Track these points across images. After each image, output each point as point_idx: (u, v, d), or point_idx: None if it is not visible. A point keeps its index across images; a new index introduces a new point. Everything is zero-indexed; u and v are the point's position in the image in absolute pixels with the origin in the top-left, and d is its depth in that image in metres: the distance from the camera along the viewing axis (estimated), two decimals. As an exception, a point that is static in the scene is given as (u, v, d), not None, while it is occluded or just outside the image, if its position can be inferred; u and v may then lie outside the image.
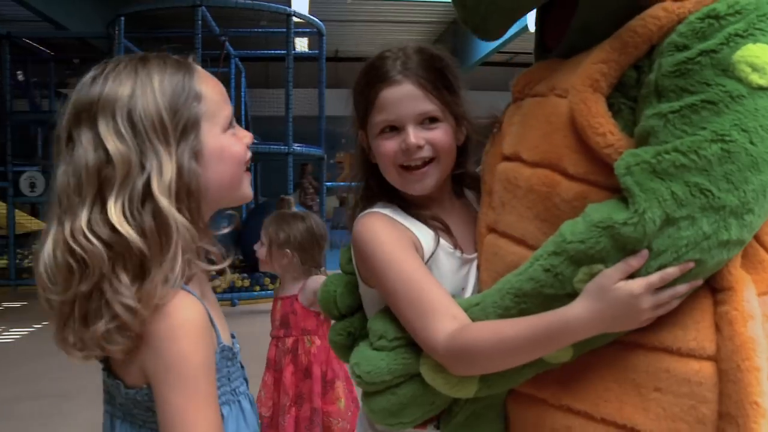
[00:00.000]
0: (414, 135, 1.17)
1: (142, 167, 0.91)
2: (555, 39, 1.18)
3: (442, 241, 1.20)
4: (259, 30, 10.23)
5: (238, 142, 1.03)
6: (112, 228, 0.89)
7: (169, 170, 0.92)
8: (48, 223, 0.94)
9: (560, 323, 0.96)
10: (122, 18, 7.71)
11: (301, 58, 9.53)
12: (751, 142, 0.89)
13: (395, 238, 1.16)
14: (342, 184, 14.96)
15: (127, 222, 0.89)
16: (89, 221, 0.89)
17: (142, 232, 0.89)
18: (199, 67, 1.02)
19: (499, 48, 10.86)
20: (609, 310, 0.94)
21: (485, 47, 10.96)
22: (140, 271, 0.90)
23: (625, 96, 1.02)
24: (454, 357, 1.04)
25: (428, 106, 1.18)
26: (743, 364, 0.92)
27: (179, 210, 0.92)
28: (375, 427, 1.25)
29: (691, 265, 0.93)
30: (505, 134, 1.17)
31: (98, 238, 0.89)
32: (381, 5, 12.19)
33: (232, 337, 1.05)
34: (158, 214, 0.90)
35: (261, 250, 2.66)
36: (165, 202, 0.90)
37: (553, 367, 1.04)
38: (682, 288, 0.94)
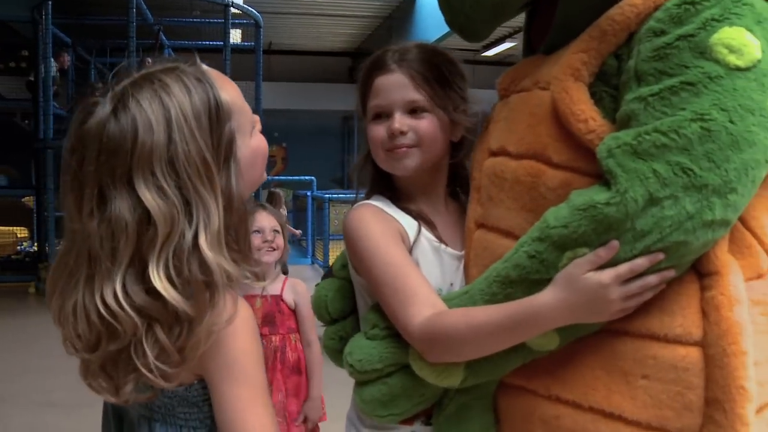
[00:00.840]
0: (399, 121, 1.22)
1: (189, 218, 0.85)
2: (541, 40, 1.20)
3: (423, 230, 1.24)
4: (196, 20, 10.05)
5: (261, 138, 1.01)
6: (148, 292, 0.84)
7: (216, 217, 0.87)
8: (73, 273, 0.88)
9: (529, 310, 0.98)
10: (49, 2, 7.46)
11: (237, 50, 9.40)
12: (731, 121, 0.90)
13: (382, 228, 1.21)
14: (277, 178, 14.88)
15: (173, 285, 0.84)
16: (124, 287, 0.84)
17: (188, 293, 0.85)
18: (211, 71, 0.95)
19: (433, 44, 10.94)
20: (577, 300, 0.95)
21: (421, 43, 11.05)
22: (179, 325, 0.86)
23: (607, 84, 1.03)
24: (427, 342, 1.07)
25: (415, 95, 1.22)
26: (729, 348, 0.92)
27: (229, 247, 0.88)
28: (365, 422, 1.26)
29: (661, 256, 0.93)
30: (492, 131, 1.20)
31: (132, 305, 0.84)
32: (317, -2, 12.15)
33: None
34: (205, 267, 0.85)
35: (279, 240, 2.53)
36: (211, 255, 0.85)
37: (541, 355, 1.04)
38: (652, 279, 0.95)
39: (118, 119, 0.85)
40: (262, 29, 8.68)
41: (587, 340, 1.02)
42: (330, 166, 16.35)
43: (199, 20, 10.02)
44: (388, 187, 1.31)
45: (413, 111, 1.23)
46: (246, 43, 10.49)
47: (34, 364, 4.81)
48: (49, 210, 8.06)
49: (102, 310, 0.84)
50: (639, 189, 0.91)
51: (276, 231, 2.52)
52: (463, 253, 1.25)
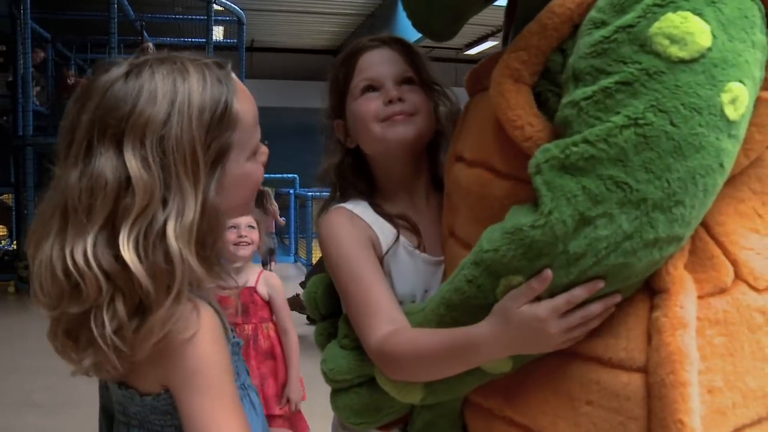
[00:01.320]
0: (395, 88, 1.20)
1: (164, 202, 0.85)
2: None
3: (402, 239, 1.21)
4: (178, 17, 9.99)
5: (259, 167, 0.98)
6: (117, 259, 0.83)
7: (192, 211, 0.85)
8: (47, 222, 0.87)
9: (468, 341, 0.95)
10: (29, -3, 7.39)
11: (219, 47, 9.35)
12: (672, 124, 0.79)
13: (353, 236, 1.18)
14: (260, 175, 14.79)
15: (139, 259, 0.83)
16: (94, 246, 0.83)
17: (153, 272, 0.83)
18: (237, 81, 0.95)
19: (416, 43, 10.96)
20: (515, 333, 0.90)
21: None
22: (138, 308, 0.85)
23: (553, 83, 0.93)
24: (381, 360, 1.07)
25: (406, 67, 1.23)
26: (668, 378, 0.83)
27: (198, 252, 0.87)
28: (343, 424, 1.26)
29: (601, 284, 0.85)
30: (458, 133, 1.14)
31: (100, 267, 0.83)
32: (299, -5, 12.12)
33: (232, 330, 1.02)
34: (168, 257, 0.84)
35: (253, 234, 2.63)
36: (176, 247, 0.84)
37: (495, 377, 0.99)
38: (595, 308, 0.87)
39: (127, 82, 0.87)
40: (244, 26, 8.64)
41: (540, 361, 0.95)
42: (313, 163, 16.32)
43: (181, 17, 9.96)
44: (367, 188, 1.27)
45: (404, 83, 1.22)
46: (228, 41, 10.46)
47: (15, 364, 4.81)
48: (29, 208, 7.98)
49: (69, 265, 0.83)
50: (566, 209, 0.82)
51: (251, 226, 2.62)
52: (442, 258, 1.22)
